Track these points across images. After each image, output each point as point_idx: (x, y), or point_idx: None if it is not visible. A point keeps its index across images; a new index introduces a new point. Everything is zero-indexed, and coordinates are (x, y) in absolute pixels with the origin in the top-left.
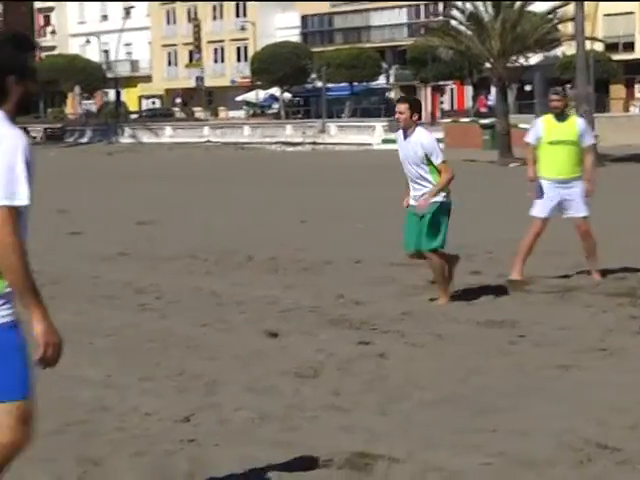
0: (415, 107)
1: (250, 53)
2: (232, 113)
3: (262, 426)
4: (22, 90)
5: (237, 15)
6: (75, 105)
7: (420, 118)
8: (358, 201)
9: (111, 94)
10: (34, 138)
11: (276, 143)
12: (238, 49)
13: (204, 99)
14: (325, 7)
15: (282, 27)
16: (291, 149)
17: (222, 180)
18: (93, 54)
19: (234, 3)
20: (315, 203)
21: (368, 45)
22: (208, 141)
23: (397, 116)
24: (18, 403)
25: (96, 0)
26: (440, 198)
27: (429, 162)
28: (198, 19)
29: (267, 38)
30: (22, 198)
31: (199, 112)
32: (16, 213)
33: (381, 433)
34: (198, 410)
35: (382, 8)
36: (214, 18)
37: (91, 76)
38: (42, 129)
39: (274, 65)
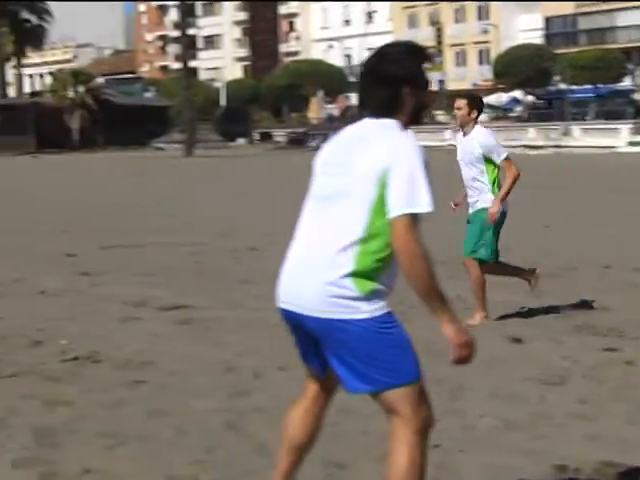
0: (474, 103)
1: (492, 56)
2: None
3: (507, 433)
4: (416, 101)
5: (479, 18)
6: (318, 109)
7: (479, 115)
8: (606, 205)
9: (353, 98)
10: (278, 142)
11: (519, 146)
12: (480, 52)
13: (445, 102)
14: (569, 8)
15: (525, 29)
16: (534, 152)
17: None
18: (336, 59)
19: (476, 5)
20: (560, 207)
21: (613, 46)
22: (450, 145)
23: (455, 112)
24: (414, 385)
25: (339, 0)
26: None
27: (487, 161)
28: (440, 22)
29: (509, 40)
30: (424, 205)
31: (440, 115)
32: (418, 220)
33: (631, 443)
34: (442, 415)
35: (628, 8)
36: (456, 21)
37: (333, 80)
38: (286, 133)
39: (517, 67)
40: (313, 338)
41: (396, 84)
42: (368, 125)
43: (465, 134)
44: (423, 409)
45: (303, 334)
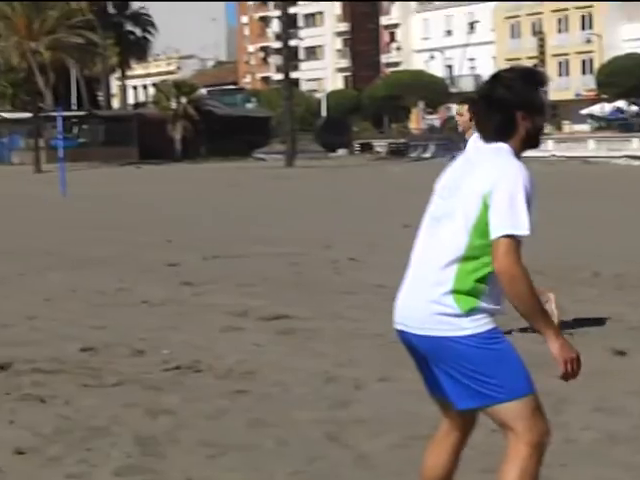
0: None
1: (595, 66)
2: (576, 127)
3: (610, 447)
4: (531, 125)
5: (582, 28)
6: (418, 120)
7: None
8: None
9: (454, 109)
10: (378, 153)
11: (622, 157)
12: (583, 62)
13: (548, 113)
14: None
15: (629, 39)
16: (637, 163)
17: (566, 194)
18: (437, 69)
19: (579, 15)
20: None
21: None
22: (553, 155)
23: (457, 118)
24: (526, 399)
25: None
26: None
27: None
28: (543, 32)
29: (613, 50)
30: (524, 228)
31: None
32: (518, 243)
33: None
34: None
35: None
36: (559, 31)
37: (434, 91)
38: (386, 144)
39: (620, 77)
40: (425, 358)
41: (509, 109)
42: (481, 149)
43: (466, 141)
44: (538, 423)
45: (418, 355)
